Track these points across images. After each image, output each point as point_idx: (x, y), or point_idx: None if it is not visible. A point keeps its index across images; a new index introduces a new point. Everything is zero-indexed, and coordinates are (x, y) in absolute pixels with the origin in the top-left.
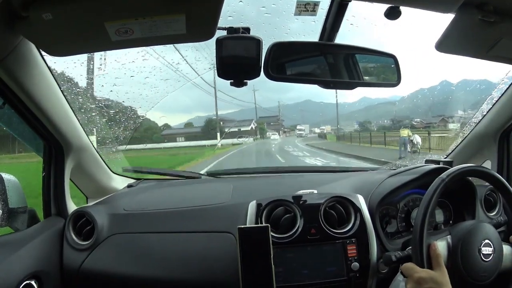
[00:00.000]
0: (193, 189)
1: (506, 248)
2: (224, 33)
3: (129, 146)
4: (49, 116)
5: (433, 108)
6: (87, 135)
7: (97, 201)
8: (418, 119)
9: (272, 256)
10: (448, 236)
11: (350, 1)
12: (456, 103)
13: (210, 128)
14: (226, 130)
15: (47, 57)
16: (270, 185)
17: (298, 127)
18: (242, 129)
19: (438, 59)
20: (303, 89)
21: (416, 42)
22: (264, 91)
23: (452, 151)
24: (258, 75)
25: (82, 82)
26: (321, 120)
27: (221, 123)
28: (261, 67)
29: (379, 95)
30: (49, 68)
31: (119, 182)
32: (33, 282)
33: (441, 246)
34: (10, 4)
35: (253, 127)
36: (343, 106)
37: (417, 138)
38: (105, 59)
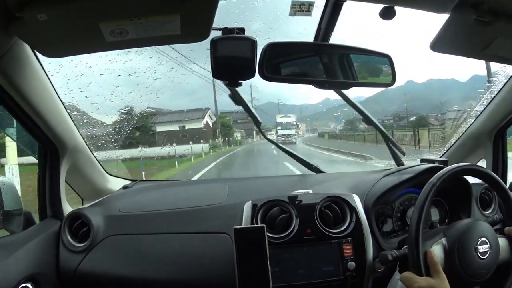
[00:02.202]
0: (188, 190)
1: (501, 240)
2: (219, 33)
3: None
4: (44, 117)
5: (402, 107)
6: (82, 136)
7: (92, 202)
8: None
9: (268, 256)
10: (443, 239)
11: (345, 1)
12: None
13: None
14: (161, 129)
15: (42, 58)
16: (265, 185)
17: (279, 119)
18: (188, 126)
19: (405, 60)
20: (263, 90)
21: (405, 42)
22: (224, 94)
23: (448, 150)
24: (253, 75)
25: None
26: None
27: (152, 117)
28: (256, 67)
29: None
30: (43, 69)
31: (115, 184)
32: (29, 285)
33: (437, 250)
34: (5, 4)
35: (209, 122)
36: (305, 107)
37: None
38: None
